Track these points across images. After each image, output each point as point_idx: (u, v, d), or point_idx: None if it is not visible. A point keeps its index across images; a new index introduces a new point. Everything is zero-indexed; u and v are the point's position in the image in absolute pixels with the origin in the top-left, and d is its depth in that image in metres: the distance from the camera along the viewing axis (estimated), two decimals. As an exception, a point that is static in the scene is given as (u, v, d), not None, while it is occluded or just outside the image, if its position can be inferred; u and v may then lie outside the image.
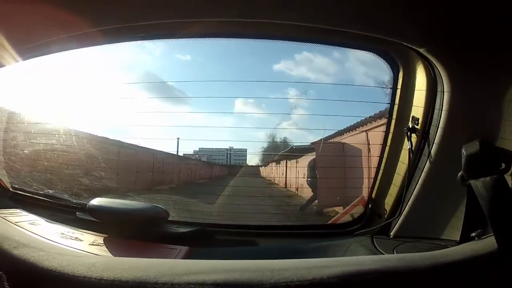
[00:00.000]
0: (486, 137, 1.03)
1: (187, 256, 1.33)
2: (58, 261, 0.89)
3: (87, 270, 0.84)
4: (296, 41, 1.42)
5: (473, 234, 1.08)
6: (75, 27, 1.15)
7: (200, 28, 1.24)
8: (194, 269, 0.83)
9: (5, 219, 1.36)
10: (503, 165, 0.97)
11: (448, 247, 1.15)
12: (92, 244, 1.34)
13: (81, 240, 1.36)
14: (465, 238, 1.12)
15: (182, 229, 1.54)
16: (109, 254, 1.29)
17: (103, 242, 1.37)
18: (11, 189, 1.76)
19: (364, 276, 0.81)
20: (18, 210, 1.54)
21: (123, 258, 1.00)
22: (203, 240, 1.54)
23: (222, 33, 1.40)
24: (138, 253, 1.29)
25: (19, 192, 1.77)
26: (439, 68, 1.13)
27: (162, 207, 1.51)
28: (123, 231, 1.44)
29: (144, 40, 1.45)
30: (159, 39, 1.47)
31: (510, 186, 0.95)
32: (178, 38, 1.42)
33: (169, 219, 1.54)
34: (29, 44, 1.24)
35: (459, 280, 0.88)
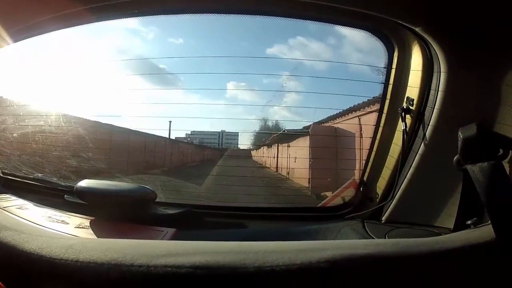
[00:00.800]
0: (483, 121, 1.00)
1: (174, 238, 1.31)
2: (38, 243, 0.88)
3: (64, 252, 0.82)
4: (289, 17, 1.38)
5: (469, 222, 1.05)
6: (65, 6, 1.12)
7: (192, 3, 1.21)
8: (173, 250, 0.81)
9: None
10: (501, 151, 0.95)
11: (442, 234, 1.14)
12: (78, 227, 1.32)
13: (67, 223, 1.34)
14: (459, 225, 1.10)
15: (170, 211, 1.53)
16: (94, 237, 1.27)
17: (89, 225, 1.35)
18: (1, 175, 1.74)
19: (356, 261, 0.79)
20: (7, 195, 1.53)
21: (102, 239, 1.00)
22: (191, 222, 1.53)
23: (215, 8, 1.37)
24: (124, 235, 1.26)
25: (9, 177, 1.75)
26: (435, 48, 1.10)
27: (150, 188, 1.49)
28: (110, 213, 1.43)
29: (136, 16, 1.41)
30: (151, 15, 1.44)
31: (508, 173, 0.93)
32: (170, 14, 1.41)
33: (157, 200, 1.52)
34: (19, 25, 1.21)
35: (455, 268, 0.86)
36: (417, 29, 1.07)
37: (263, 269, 0.75)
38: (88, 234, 1.28)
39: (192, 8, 1.33)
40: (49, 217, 1.36)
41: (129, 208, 1.45)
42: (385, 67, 1.42)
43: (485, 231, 0.91)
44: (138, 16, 1.42)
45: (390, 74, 1.40)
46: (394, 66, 1.38)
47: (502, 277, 0.86)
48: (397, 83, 1.39)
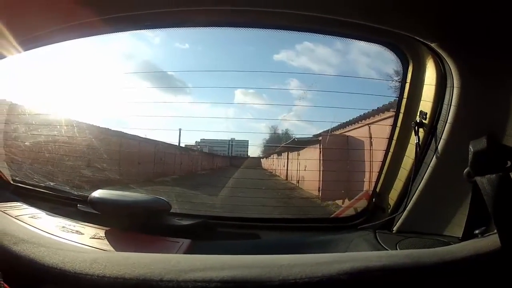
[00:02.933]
0: (494, 134, 1.02)
1: (189, 249, 1.32)
2: (59, 257, 0.88)
3: (88, 267, 0.83)
4: (303, 31, 1.38)
5: (477, 232, 1.07)
6: (76, 16, 1.14)
7: (203, 17, 1.24)
8: (200, 265, 0.82)
9: (5, 213, 1.35)
10: (509, 163, 0.97)
11: (451, 243, 1.15)
12: (94, 238, 1.33)
13: (82, 234, 1.35)
14: (468, 235, 1.12)
15: (185, 222, 1.54)
16: (111, 248, 1.27)
17: (104, 235, 1.36)
18: (12, 182, 1.75)
19: (373, 273, 0.81)
20: (19, 203, 1.53)
21: (126, 253, 0.99)
22: (206, 233, 1.53)
23: (227, 22, 1.38)
24: (140, 246, 1.29)
25: (20, 185, 1.76)
26: (449, 64, 1.11)
27: (165, 199, 1.50)
28: (125, 224, 1.43)
29: (145, 29, 1.44)
30: (160, 28, 1.47)
31: None
32: (179, 27, 1.41)
33: (171, 211, 1.52)
34: (31, 34, 1.23)
35: (464, 277, 0.88)
36: (432, 45, 1.08)
37: (287, 282, 0.77)
38: (104, 245, 1.28)
39: (200, 22, 1.34)
40: (63, 227, 1.37)
41: (144, 219, 1.46)
42: (399, 81, 1.43)
43: (492, 240, 0.93)
44: (145, 29, 1.44)
45: (405, 88, 1.41)
46: (408, 80, 1.39)
47: (507, 285, 0.88)
48: (411, 97, 1.40)
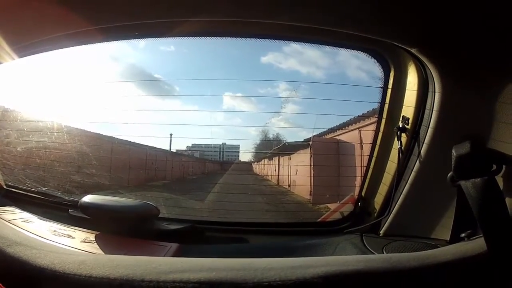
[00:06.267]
0: (477, 138, 1.02)
1: (177, 253, 1.33)
2: (50, 259, 0.91)
3: (77, 268, 0.85)
4: (287, 40, 1.42)
5: (463, 235, 1.08)
6: (70, 26, 1.15)
7: (195, 27, 1.24)
8: (180, 267, 0.84)
9: None
10: (494, 167, 0.98)
11: (438, 247, 1.17)
12: (84, 241, 1.35)
13: (73, 238, 1.37)
14: (455, 238, 1.13)
15: (173, 226, 1.55)
16: (100, 252, 1.29)
17: (94, 239, 1.37)
18: (5, 187, 1.76)
19: (347, 277, 0.83)
20: (12, 208, 1.54)
21: (112, 255, 1.02)
22: (194, 237, 1.55)
23: (214, 32, 1.39)
24: (129, 250, 1.29)
25: (13, 189, 1.77)
26: (430, 69, 1.12)
27: (153, 204, 1.51)
28: (114, 228, 1.45)
29: (138, 38, 1.44)
30: (153, 37, 1.47)
31: (501, 187, 0.96)
32: (171, 36, 1.41)
33: (160, 216, 1.54)
34: (25, 42, 1.23)
35: (445, 281, 0.89)
36: (412, 50, 1.09)
37: (261, 285, 0.79)
38: (94, 248, 1.30)
39: (190, 32, 1.35)
40: (55, 231, 1.39)
41: (133, 224, 1.47)
42: (381, 87, 1.44)
43: (477, 244, 0.94)
44: (139, 38, 1.44)
45: (386, 94, 1.43)
46: (390, 86, 1.41)
47: None
48: (393, 102, 1.42)
